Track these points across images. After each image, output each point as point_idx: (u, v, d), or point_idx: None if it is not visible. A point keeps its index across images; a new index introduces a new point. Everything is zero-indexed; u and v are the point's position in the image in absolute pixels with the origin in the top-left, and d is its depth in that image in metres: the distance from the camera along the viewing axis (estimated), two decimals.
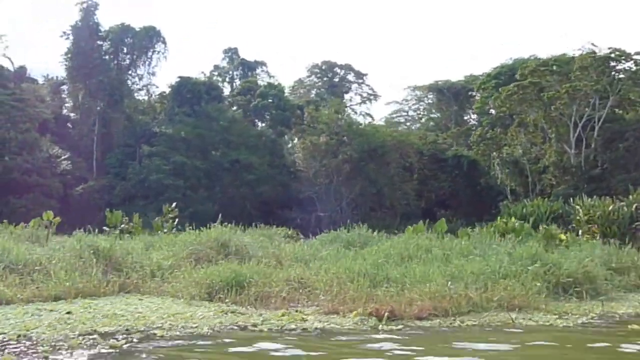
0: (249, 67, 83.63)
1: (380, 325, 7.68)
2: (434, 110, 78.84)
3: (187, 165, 50.59)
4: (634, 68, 46.67)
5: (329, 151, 51.86)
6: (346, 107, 57.67)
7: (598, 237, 38.43)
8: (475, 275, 9.51)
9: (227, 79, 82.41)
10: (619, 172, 44.82)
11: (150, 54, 64.48)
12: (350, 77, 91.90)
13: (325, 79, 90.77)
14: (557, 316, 8.56)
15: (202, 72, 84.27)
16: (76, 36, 60.51)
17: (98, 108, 60.05)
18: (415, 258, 11.64)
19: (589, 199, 40.52)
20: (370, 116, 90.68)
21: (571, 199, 40.54)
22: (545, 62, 48.39)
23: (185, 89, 59.66)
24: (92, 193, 55.10)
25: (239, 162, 52.79)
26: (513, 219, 41.18)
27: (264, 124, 60.77)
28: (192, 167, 50.96)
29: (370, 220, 51.97)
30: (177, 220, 22.91)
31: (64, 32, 61.60)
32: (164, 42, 64.76)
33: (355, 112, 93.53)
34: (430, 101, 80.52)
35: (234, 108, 62.63)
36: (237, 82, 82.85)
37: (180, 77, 61.03)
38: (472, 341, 7.14)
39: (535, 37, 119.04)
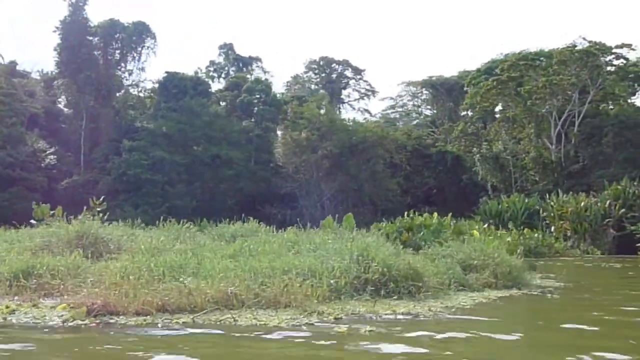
0: (243, 63, 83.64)
1: (84, 320, 7.23)
2: (428, 106, 78.32)
3: (166, 160, 50.66)
4: (620, 62, 45.78)
5: (310, 147, 51.67)
6: (330, 102, 57.17)
7: (569, 234, 38.16)
8: (278, 269, 9.21)
9: (222, 75, 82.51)
10: (598, 168, 44.15)
11: (139, 49, 64.69)
12: (348, 72, 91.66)
13: (323, 74, 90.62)
14: (306, 316, 7.76)
15: (199, 68, 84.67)
16: (65, 31, 60.78)
17: (87, 103, 60.27)
18: (271, 253, 11.35)
19: (564, 195, 40.12)
20: (369, 112, 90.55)
21: (550, 195, 40.25)
22: (525, 56, 47.66)
23: (172, 84, 59.76)
24: (77, 187, 55.34)
25: (220, 158, 52.77)
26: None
27: (252, 120, 60.61)
28: (172, 162, 51.02)
29: (357, 216, 52.05)
30: (107, 214, 22.72)
31: (57, 28, 62.04)
32: (154, 38, 64.87)
33: (354, 108, 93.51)
34: (425, 97, 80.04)
35: (223, 104, 62.62)
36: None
37: (167, 72, 61.15)
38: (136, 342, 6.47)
39: (536, 36, 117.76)
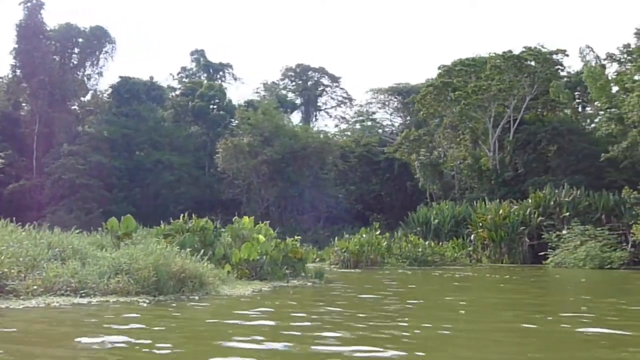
0: (214, 69, 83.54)
1: None
2: (401, 114, 77.37)
3: (104, 165, 50.31)
4: (556, 68, 44.72)
5: (252, 152, 51.01)
6: (276, 108, 56.45)
7: (486, 242, 37.15)
8: None
9: (194, 81, 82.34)
10: (533, 175, 43.07)
11: (98, 54, 64.62)
12: (325, 80, 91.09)
13: (299, 82, 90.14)
14: None
15: (170, 74, 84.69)
16: (20, 35, 60.90)
17: (41, 107, 60.20)
18: None
19: (491, 203, 39.10)
20: (346, 120, 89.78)
21: (485, 202, 39.27)
22: (462, 61, 46.72)
23: (125, 89, 59.66)
24: (24, 192, 55.29)
25: (161, 163, 52.38)
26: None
27: (203, 125, 60.20)
28: (111, 166, 50.68)
29: (294, 222, 51.39)
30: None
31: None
32: (112, 42, 64.83)
33: (330, 116, 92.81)
34: (397, 104, 79.13)
35: (171, 110, 62.04)
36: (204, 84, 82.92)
37: (120, 76, 61.09)
38: None
39: (506, 42, 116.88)
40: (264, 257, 15.13)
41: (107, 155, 51.20)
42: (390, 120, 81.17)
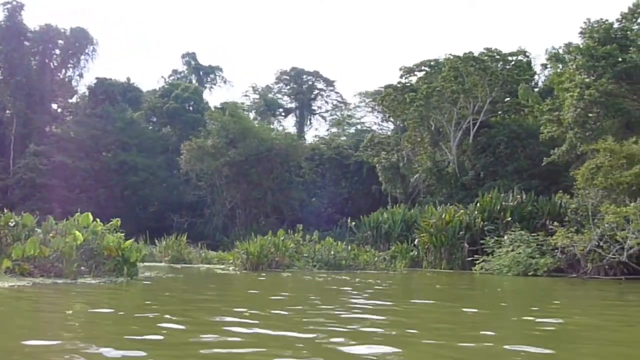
0: (204, 72, 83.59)
1: None
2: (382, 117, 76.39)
3: (67, 165, 50.22)
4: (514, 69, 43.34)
5: (216, 154, 50.50)
6: (243, 110, 56.00)
7: (427, 246, 36.08)
8: None
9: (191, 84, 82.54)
10: (490, 179, 41.80)
11: (79, 55, 64.96)
12: (319, 84, 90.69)
13: (294, 85, 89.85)
14: None
15: (162, 76, 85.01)
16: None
17: (18, 108, 60.61)
18: None
19: (448, 206, 38.01)
20: (348, 123, 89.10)
21: (435, 206, 38.19)
22: (424, 62, 45.62)
23: (100, 90, 59.70)
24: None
25: (127, 164, 52.13)
26: None
27: (176, 127, 59.91)
28: (74, 167, 50.56)
29: (257, 225, 50.73)
30: None
31: None
32: (93, 44, 65.14)
33: (325, 120, 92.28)
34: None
35: (140, 111, 61.72)
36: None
37: (97, 78, 61.18)
38: None
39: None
40: (57, 253, 14.42)
41: (72, 156, 51.09)
42: (379, 124, 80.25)
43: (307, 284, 17.06)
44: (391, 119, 50.78)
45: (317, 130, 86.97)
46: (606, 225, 23.72)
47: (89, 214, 18.21)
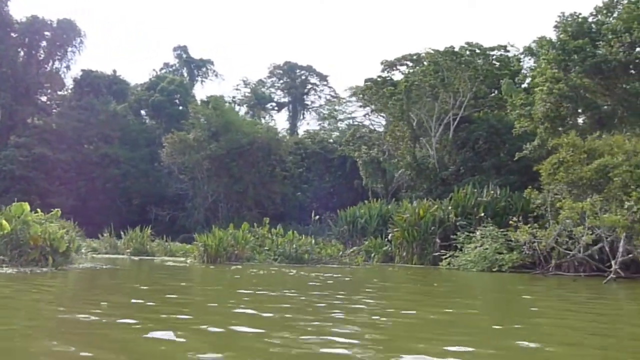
0: (195, 65, 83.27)
1: None
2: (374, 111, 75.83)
3: (48, 157, 49.95)
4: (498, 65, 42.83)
5: (198, 147, 50.17)
6: (225, 103, 55.56)
7: (399, 241, 35.76)
8: None
9: (177, 76, 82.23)
10: (468, 174, 41.38)
11: (67, 47, 64.60)
12: (313, 79, 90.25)
13: (287, 80, 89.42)
14: None
15: (154, 69, 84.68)
16: None
17: (3, 99, 60.33)
18: None
19: (415, 202, 37.64)
20: (334, 118, 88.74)
21: (411, 201, 37.82)
22: (406, 56, 45.13)
23: (86, 82, 59.42)
24: None
25: (108, 156, 51.84)
26: None
27: (160, 120, 59.61)
28: (55, 159, 50.29)
29: (239, 219, 50.37)
30: None
31: None
32: (80, 36, 64.76)
33: (317, 114, 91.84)
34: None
35: (139, 104, 61.79)
36: (186, 80, 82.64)
37: (83, 70, 60.87)
38: None
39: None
40: None
41: (53, 148, 50.83)
42: (370, 119, 79.68)
43: (244, 277, 16.70)
44: (382, 113, 50.24)
45: (308, 124, 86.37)
46: (567, 221, 23.32)
47: (24, 203, 17.97)
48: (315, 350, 5.10)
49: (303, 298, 10.21)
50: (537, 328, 7.20)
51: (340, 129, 78.97)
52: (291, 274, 18.61)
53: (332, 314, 7.77)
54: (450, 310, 8.80)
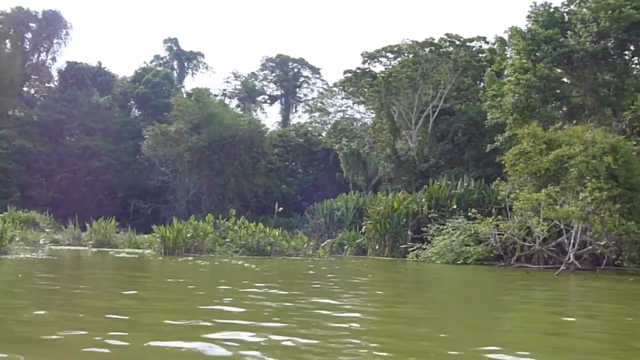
0: (185, 58, 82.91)
1: None
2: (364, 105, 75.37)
3: (28, 150, 49.70)
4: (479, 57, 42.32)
5: (180, 140, 49.81)
6: (209, 96, 55.11)
7: (372, 234, 35.46)
8: None
9: (168, 69, 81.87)
10: (447, 167, 41.01)
11: (52, 39, 64.27)
12: (305, 71, 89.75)
13: (280, 72, 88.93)
14: None
15: (144, 62, 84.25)
16: None
17: None
18: None
19: (387, 195, 37.32)
20: (324, 111, 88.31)
21: (387, 193, 37.49)
22: (386, 48, 44.67)
23: (70, 74, 59.13)
24: None
25: (90, 149, 51.57)
26: None
27: (145, 112, 59.26)
28: (36, 151, 50.05)
29: (222, 212, 50.06)
30: None
31: None
32: (66, 27, 64.42)
33: (310, 107, 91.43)
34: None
35: (125, 96, 61.44)
36: (176, 72, 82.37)
37: (67, 62, 60.55)
38: None
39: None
40: None
41: (34, 140, 50.58)
42: (360, 112, 79.24)
43: (180, 269, 16.43)
44: (363, 106, 49.87)
45: (299, 117, 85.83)
46: (528, 212, 22.95)
47: None
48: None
49: (192, 287, 9.92)
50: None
51: (330, 122, 78.55)
52: (237, 264, 18.31)
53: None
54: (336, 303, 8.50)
